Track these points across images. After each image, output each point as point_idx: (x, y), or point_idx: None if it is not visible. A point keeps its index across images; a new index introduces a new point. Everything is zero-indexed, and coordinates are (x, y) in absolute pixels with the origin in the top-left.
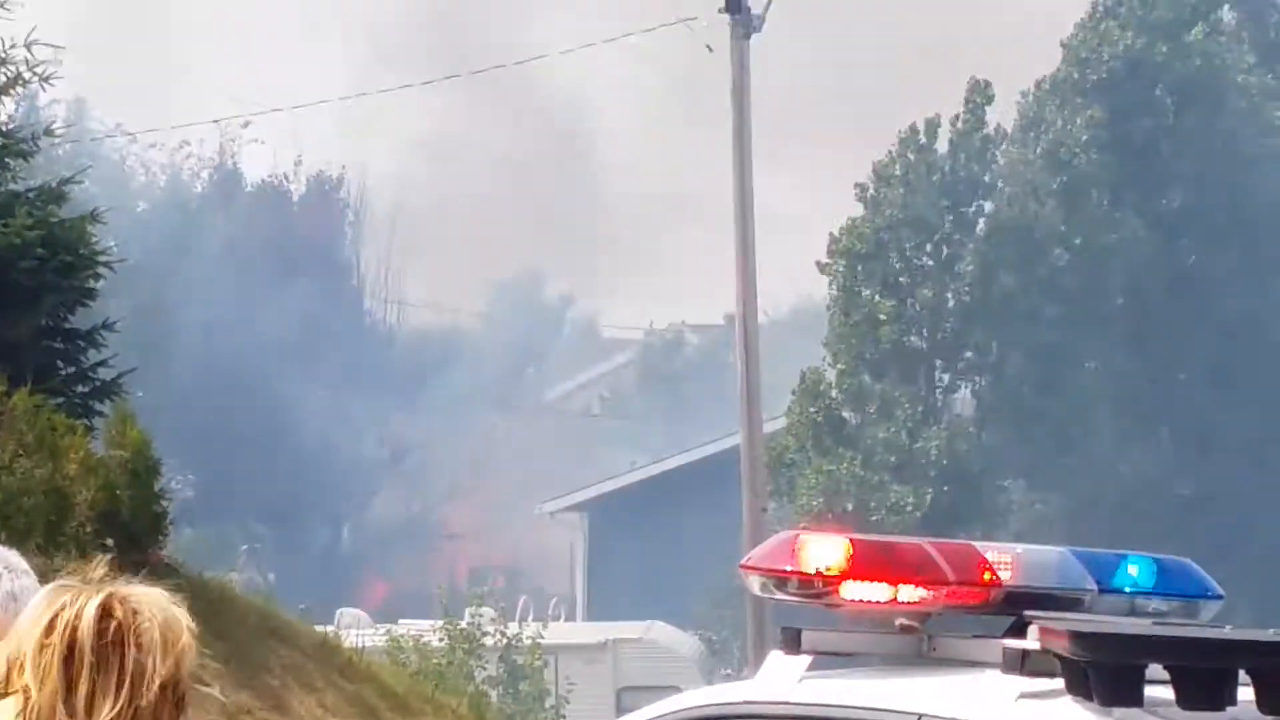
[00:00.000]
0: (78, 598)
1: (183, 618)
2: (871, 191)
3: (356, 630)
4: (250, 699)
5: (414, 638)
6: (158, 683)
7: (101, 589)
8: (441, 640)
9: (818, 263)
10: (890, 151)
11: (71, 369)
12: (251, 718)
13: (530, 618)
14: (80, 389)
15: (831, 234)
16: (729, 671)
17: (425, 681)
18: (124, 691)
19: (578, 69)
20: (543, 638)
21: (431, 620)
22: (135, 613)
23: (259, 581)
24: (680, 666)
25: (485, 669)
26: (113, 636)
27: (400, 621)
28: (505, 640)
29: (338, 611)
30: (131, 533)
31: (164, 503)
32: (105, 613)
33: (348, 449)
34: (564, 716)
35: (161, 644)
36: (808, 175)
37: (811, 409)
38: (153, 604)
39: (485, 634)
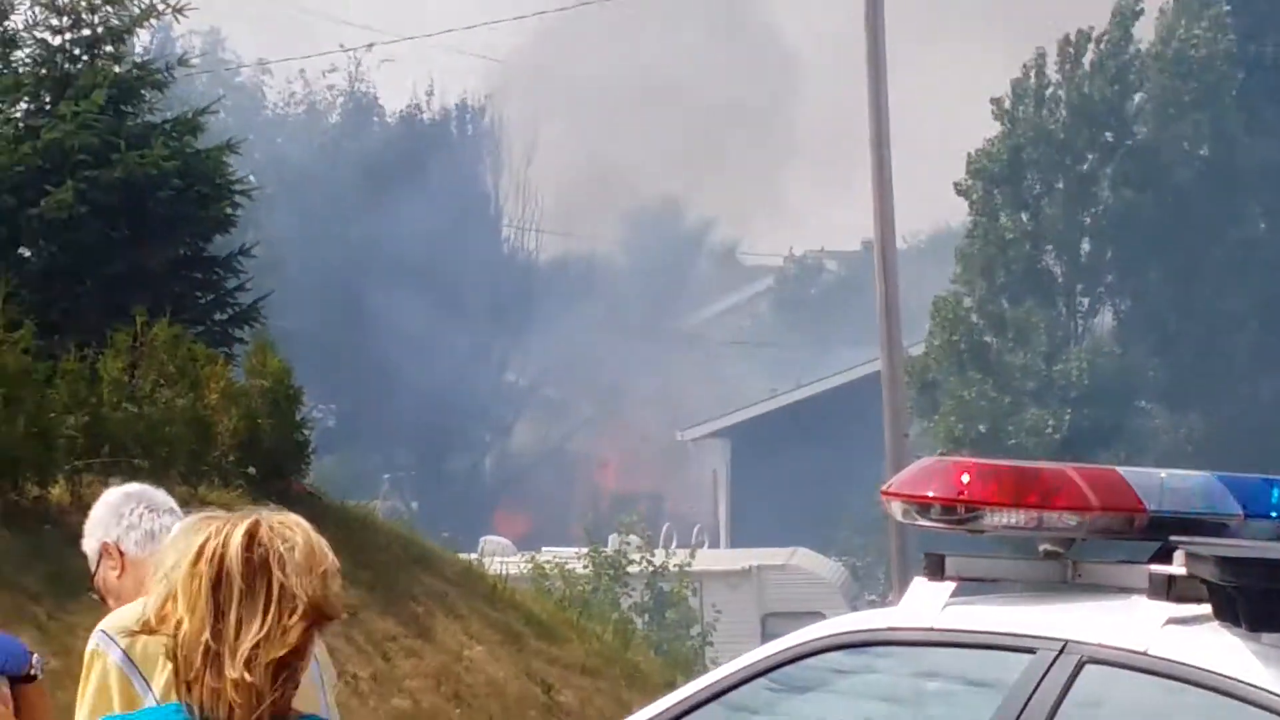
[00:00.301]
0: (224, 527)
1: (326, 544)
2: (1007, 108)
3: (500, 558)
4: (395, 626)
5: (559, 565)
6: (302, 607)
7: (246, 517)
8: (586, 568)
9: (955, 184)
10: (1025, 66)
11: (210, 297)
12: (396, 645)
13: (674, 545)
14: (219, 316)
15: (969, 154)
16: (873, 597)
17: (570, 609)
18: (270, 615)
19: None
20: (689, 565)
21: (575, 547)
22: (281, 539)
23: (402, 510)
24: (824, 592)
25: (631, 596)
26: (259, 562)
27: (543, 549)
28: (650, 568)
29: (481, 539)
30: (273, 461)
31: (305, 431)
32: (251, 540)
33: (487, 377)
34: (711, 643)
35: (306, 568)
36: (949, 97)
37: (954, 336)
38: (297, 530)
39: (631, 561)
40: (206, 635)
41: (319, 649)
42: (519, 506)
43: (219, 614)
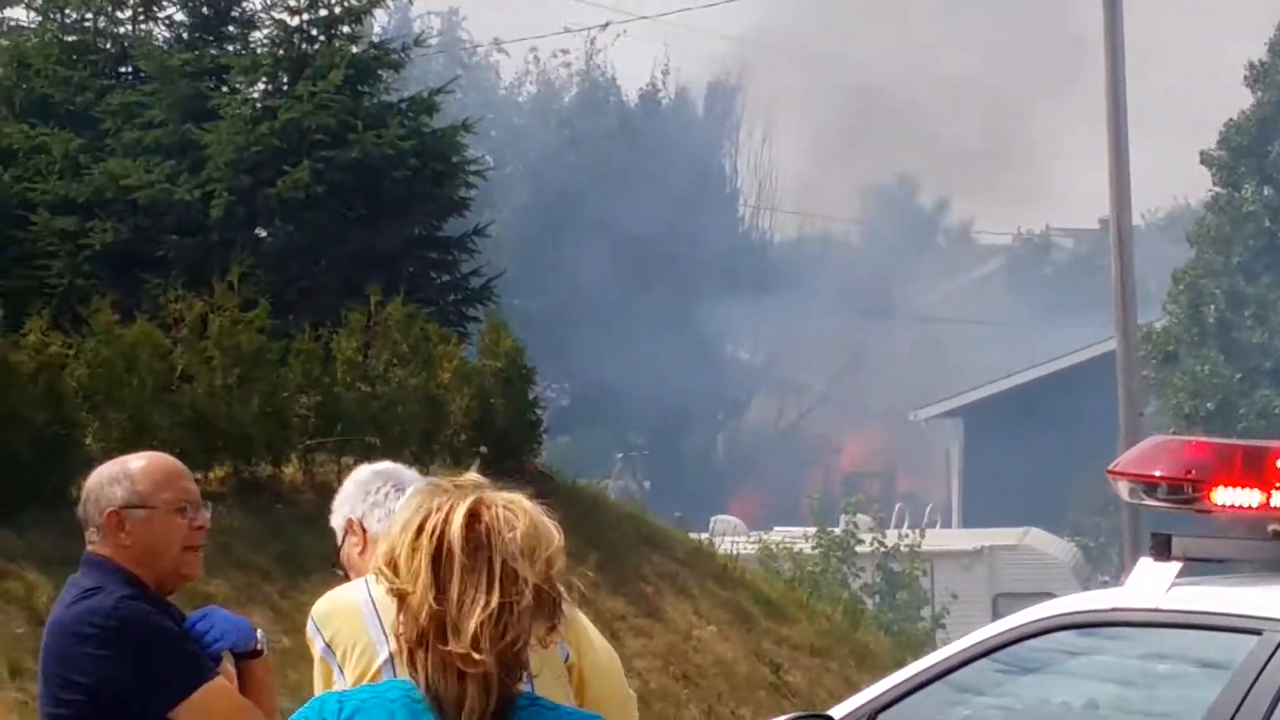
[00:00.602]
0: (447, 501)
1: (551, 523)
2: (1255, 75)
3: (731, 538)
4: (624, 606)
5: (787, 545)
6: (530, 585)
7: (471, 493)
8: (815, 548)
9: (1202, 153)
10: (1278, 30)
11: (445, 277)
12: (626, 624)
13: (906, 525)
14: (452, 297)
15: (1224, 124)
16: (1106, 578)
17: (800, 589)
18: (495, 593)
19: None
20: (920, 545)
21: (805, 528)
22: (502, 517)
23: (634, 489)
24: (1057, 573)
25: (860, 577)
26: (481, 539)
27: (774, 529)
28: (882, 548)
29: (712, 519)
30: (505, 441)
31: (538, 411)
32: (474, 516)
33: (722, 356)
34: (943, 625)
35: (530, 547)
36: (1190, 68)
37: (1198, 307)
38: (520, 509)
39: (860, 541)
40: (431, 611)
41: (582, 628)
42: (752, 486)
43: (441, 589)
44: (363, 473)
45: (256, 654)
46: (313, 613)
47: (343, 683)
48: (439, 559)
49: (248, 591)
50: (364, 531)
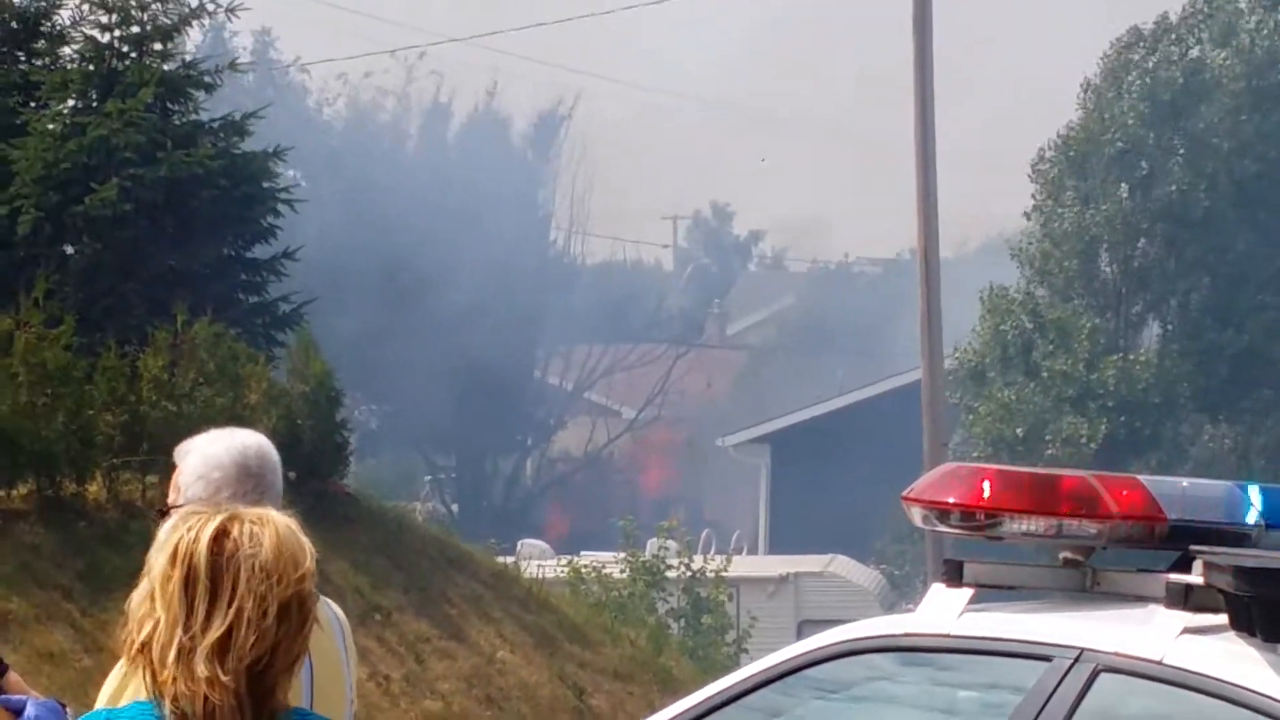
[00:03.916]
0: (197, 523)
1: (304, 542)
2: (1082, 103)
3: (537, 561)
4: (428, 628)
5: (595, 569)
6: (275, 603)
7: (221, 513)
8: (623, 572)
9: (1031, 166)
10: (1103, 58)
11: (254, 298)
12: (429, 646)
13: (713, 551)
14: (261, 320)
15: (1039, 150)
16: (910, 606)
17: (605, 613)
18: (233, 609)
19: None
20: (726, 571)
21: (613, 552)
22: (249, 534)
23: (443, 512)
24: (861, 600)
25: (668, 601)
26: (224, 560)
27: (582, 553)
28: (689, 574)
29: (519, 542)
30: (312, 463)
31: (345, 433)
32: (222, 534)
33: (532, 381)
34: (746, 650)
35: (277, 564)
36: (997, 104)
37: (1001, 326)
38: (269, 525)
39: (669, 567)
40: (180, 633)
41: (341, 637)
42: (561, 510)
43: (190, 612)
44: (231, 454)
45: None
46: None
47: None
48: (189, 582)
49: (49, 609)
50: (179, 490)
